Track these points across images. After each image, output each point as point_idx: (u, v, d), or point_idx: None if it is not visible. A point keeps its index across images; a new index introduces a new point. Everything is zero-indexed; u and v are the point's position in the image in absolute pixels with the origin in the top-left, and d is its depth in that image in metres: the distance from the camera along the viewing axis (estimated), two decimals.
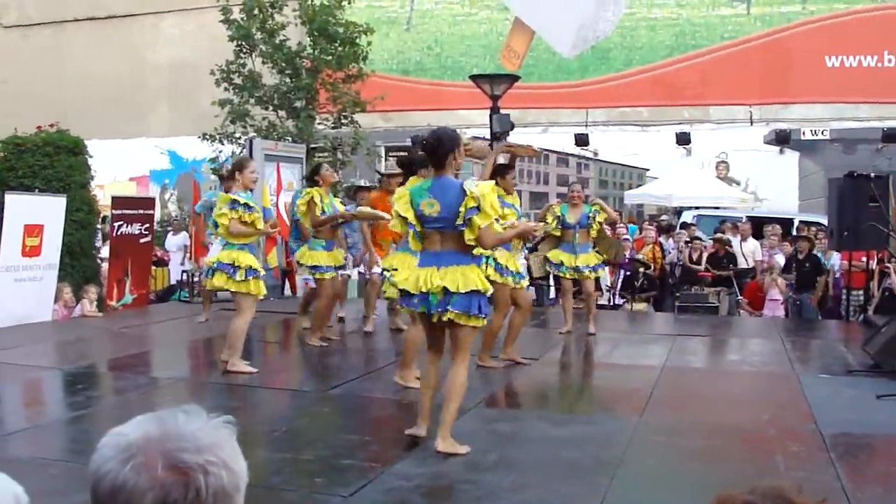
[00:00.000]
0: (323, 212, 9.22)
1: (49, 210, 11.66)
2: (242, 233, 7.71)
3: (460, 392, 5.35)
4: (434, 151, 5.42)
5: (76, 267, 12.63)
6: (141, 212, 13.34)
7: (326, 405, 6.89)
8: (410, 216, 5.39)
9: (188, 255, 15.38)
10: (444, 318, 5.25)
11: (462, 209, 5.14)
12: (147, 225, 13.33)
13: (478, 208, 5.12)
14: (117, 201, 13.38)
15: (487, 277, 8.30)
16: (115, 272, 12.81)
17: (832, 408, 6.80)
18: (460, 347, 5.37)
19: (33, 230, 11.27)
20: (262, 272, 7.93)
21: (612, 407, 6.88)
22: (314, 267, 9.42)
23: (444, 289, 5.17)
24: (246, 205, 7.69)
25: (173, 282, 16.07)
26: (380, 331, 10.41)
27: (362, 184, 11.79)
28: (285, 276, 14.10)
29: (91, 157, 13.45)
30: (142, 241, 13.20)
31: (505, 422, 6.22)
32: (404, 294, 5.43)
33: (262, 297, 8.02)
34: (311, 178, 9.71)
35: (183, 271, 15.18)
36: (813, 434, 6.04)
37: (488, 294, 5.36)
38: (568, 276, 10.20)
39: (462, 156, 5.49)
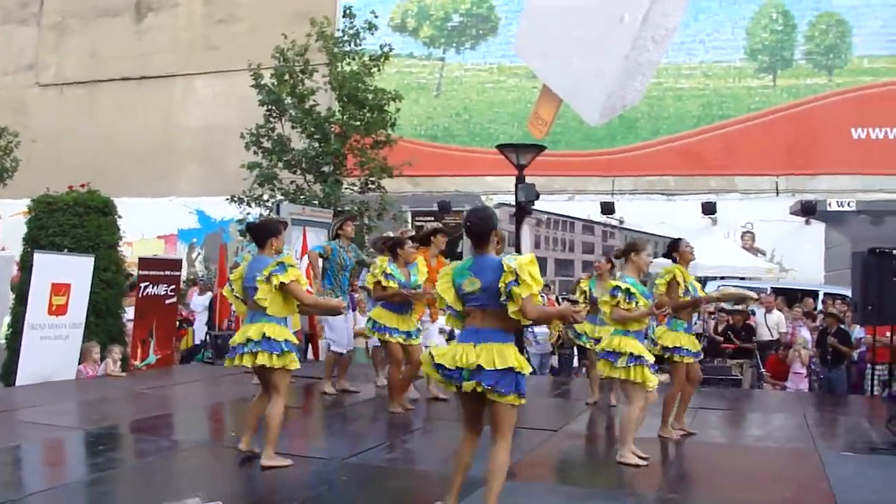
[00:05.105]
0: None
1: (77, 269, 11.80)
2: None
3: (502, 473, 5.25)
4: (476, 230, 5.43)
5: (101, 326, 12.72)
6: (167, 273, 13.45)
7: (344, 474, 6.88)
8: (449, 297, 5.42)
9: (214, 316, 15.49)
10: (479, 390, 5.18)
11: (501, 285, 5.15)
12: (173, 286, 13.43)
13: (516, 281, 5.12)
14: (144, 262, 13.50)
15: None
16: (139, 332, 12.90)
17: (854, 488, 6.72)
18: (498, 427, 5.28)
19: (60, 289, 11.41)
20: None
21: (630, 482, 6.82)
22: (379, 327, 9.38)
23: (479, 366, 5.15)
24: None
25: (198, 342, 16.14)
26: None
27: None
28: (308, 341, 14.13)
29: (120, 217, 13.61)
30: (167, 302, 13.30)
31: (523, 495, 6.17)
32: (441, 367, 5.34)
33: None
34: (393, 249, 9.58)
35: (207, 332, 15.27)
36: None
37: (525, 373, 5.26)
38: (590, 346, 10.22)
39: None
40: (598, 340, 10.04)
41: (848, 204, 23.17)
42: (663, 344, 8.30)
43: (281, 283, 6.72)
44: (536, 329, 14.40)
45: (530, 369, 5.39)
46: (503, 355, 5.16)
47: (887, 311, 11.35)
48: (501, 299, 5.16)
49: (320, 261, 10.43)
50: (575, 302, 10.62)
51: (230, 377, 11.57)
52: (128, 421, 9.14)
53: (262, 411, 7.01)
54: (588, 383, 10.73)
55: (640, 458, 7.17)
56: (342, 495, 6.40)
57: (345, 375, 11.02)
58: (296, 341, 7.00)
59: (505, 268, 5.16)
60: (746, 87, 26.12)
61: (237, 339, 6.94)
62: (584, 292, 10.41)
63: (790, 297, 17.62)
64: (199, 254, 29.46)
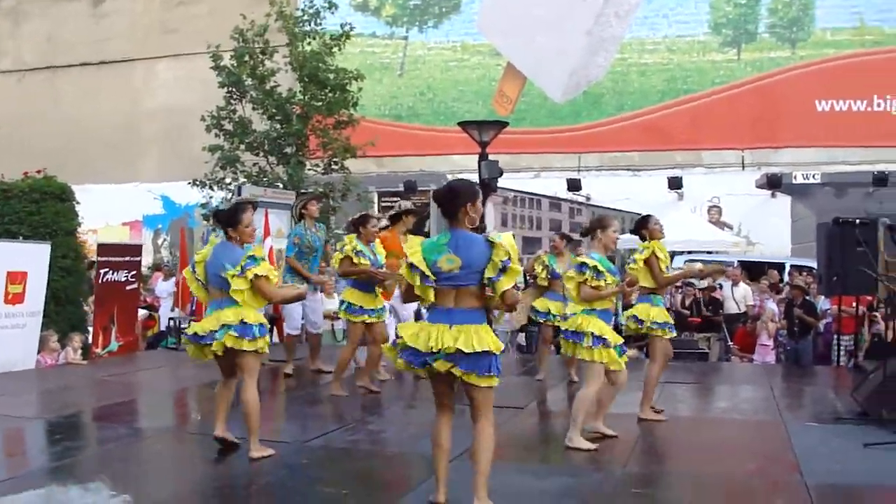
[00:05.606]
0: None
1: (33, 257, 11.60)
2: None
3: (490, 446, 5.14)
4: (446, 203, 5.15)
5: (61, 314, 12.54)
6: (127, 259, 13.25)
7: (306, 456, 6.80)
8: (426, 269, 5.06)
9: (176, 301, 15.33)
10: (456, 373, 5.01)
11: (496, 260, 4.91)
12: (133, 272, 13.24)
13: (509, 259, 4.90)
14: (103, 248, 13.31)
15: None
16: (100, 319, 12.71)
17: (818, 457, 6.71)
18: (480, 408, 5.13)
19: (16, 277, 11.21)
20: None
21: (594, 458, 6.77)
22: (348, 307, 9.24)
23: (458, 349, 4.93)
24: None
25: (163, 328, 15.97)
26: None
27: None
28: (273, 323, 13.99)
29: (78, 203, 13.39)
30: (128, 288, 13.11)
31: (489, 474, 6.10)
32: (407, 349, 5.11)
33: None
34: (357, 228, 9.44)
35: (170, 318, 15.12)
36: (798, 485, 5.95)
37: (499, 353, 5.07)
38: (556, 323, 10.06)
39: (478, 210, 5.20)
40: (565, 317, 10.00)
41: (813, 176, 23.30)
42: (653, 320, 8.08)
43: (255, 274, 6.45)
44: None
45: (503, 347, 5.23)
46: (481, 337, 4.96)
47: (852, 282, 11.35)
48: (488, 276, 4.95)
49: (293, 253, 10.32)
50: (534, 277, 10.57)
51: (194, 362, 11.41)
52: (90, 409, 9.04)
53: (229, 397, 6.78)
54: (557, 362, 10.67)
55: (590, 441, 6.98)
56: (303, 478, 6.31)
57: (317, 357, 10.94)
58: (267, 325, 6.81)
59: (495, 243, 4.92)
60: (711, 61, 26.18)
61: (208, 325, 6.55)
62: (546, 267, 10.29)
63: (758, 271, 17.68)
64: (164, 240, 29.23)
